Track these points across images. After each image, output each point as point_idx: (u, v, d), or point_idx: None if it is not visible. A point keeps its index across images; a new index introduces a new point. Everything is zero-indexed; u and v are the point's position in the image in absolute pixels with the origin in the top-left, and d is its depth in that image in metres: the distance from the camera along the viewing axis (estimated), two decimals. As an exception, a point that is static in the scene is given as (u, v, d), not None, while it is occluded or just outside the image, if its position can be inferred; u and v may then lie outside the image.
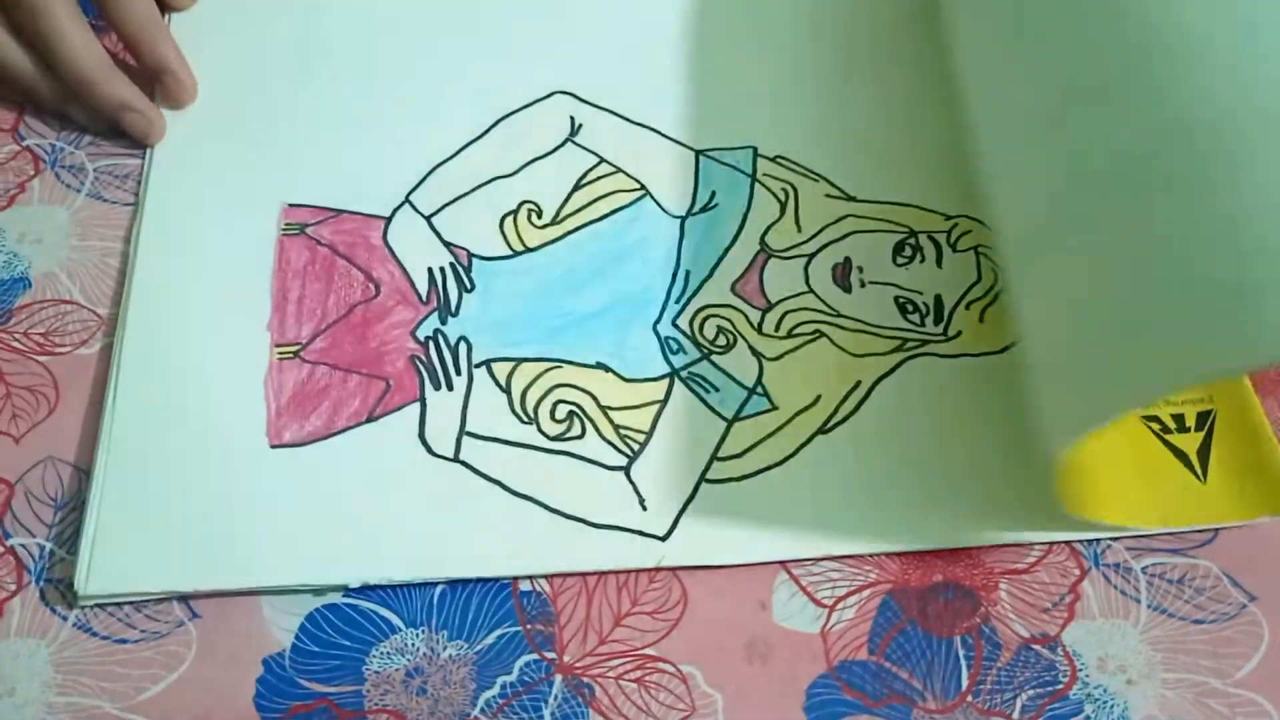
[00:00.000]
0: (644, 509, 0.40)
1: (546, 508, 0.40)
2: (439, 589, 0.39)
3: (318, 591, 0.39)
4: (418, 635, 0.38)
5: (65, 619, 0.38)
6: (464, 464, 0.41)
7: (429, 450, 0.41)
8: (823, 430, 0.42)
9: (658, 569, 0.39)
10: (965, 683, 0.38)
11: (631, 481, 0.41)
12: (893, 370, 0.43)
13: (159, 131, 0.47)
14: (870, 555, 0.40)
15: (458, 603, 0.39)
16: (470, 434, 0.41)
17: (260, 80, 0.49)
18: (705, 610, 0.39)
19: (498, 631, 0.38)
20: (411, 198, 0.46)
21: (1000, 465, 0.42)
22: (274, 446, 0.40)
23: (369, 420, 0.41)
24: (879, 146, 0.49)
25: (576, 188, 0.47)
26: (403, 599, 0.39)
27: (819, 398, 0.43)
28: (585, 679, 0.38)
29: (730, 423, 0.42)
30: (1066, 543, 0.40)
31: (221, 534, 0.39)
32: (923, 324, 0.44)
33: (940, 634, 0.39)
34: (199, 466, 0.40)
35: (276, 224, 0.45)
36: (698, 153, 0.48)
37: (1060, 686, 0.38)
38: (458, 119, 0.49)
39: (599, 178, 0.47)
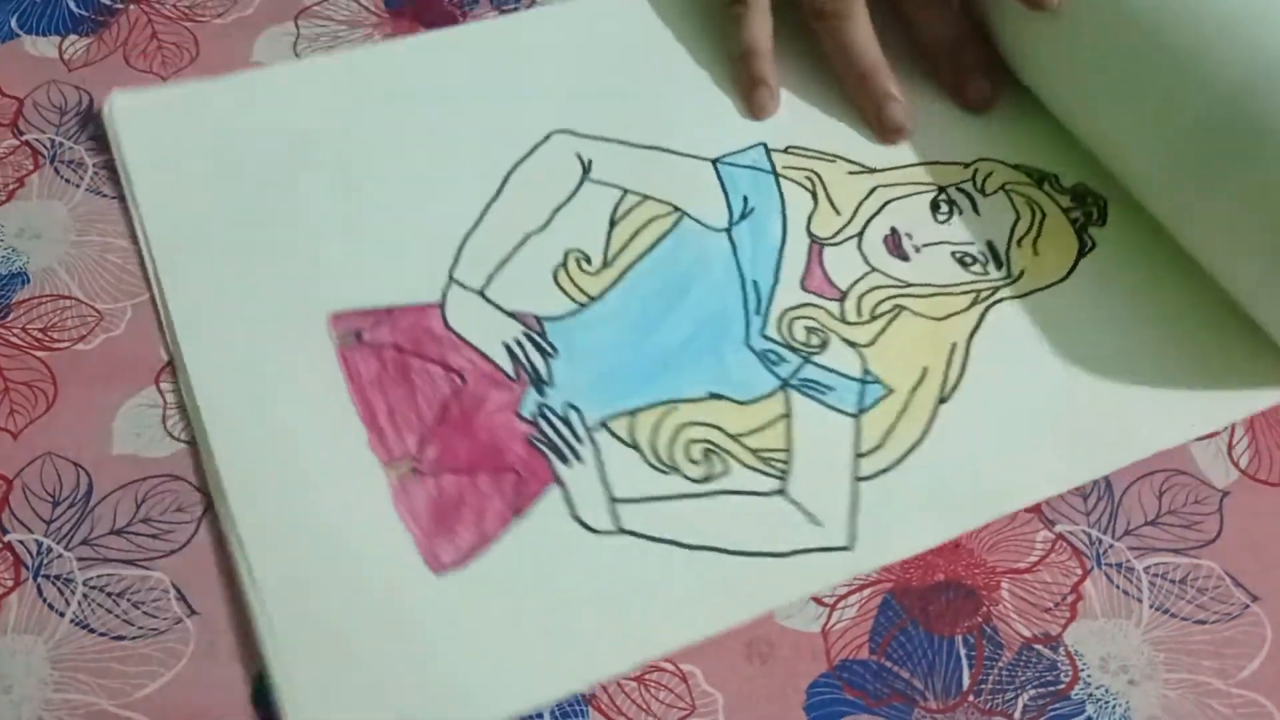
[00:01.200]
0: (818, 524, 0.40)
1: (726, 551, 0.39)
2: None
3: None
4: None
5: (62, 615, 0.37)
6: (628, 532, 0.39)
7: (589, 529, 0.39)
8: (943, 399, 0.43)
9: (864, 580, 0.39)
10: (966, 682, 0.38)
11: (793, 501, 0.40)
12: (979, 325, 0.44)
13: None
14: None
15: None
16: (620, 500, 0.39)
17: (253, 189, 0.45)
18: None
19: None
20: (456, 275, 0.44)
21: (1108, 382, 0.43)
22: (439, 574, 0.37)
23: (517, 516, 0.39)
24: None
25: (613, 224, 0.46)
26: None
27: (925, 370, 0.43)
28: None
29: (858, 417, 0.42)
30: (1068, 543, 0.41)
31: (420, 678, 0.36)
32: (986, 272, 0.46)
33: (941, 633, 0.39)
34: (371, 610, 0.37)
35: (330, 337, 0.42)
36: (713, 162, 0.48)
37: (1062, 686, 0.38)
38: (468, 185, 0.46)
39: (631, 209, 0.46)
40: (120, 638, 0.37)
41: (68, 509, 0.39)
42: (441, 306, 0.43)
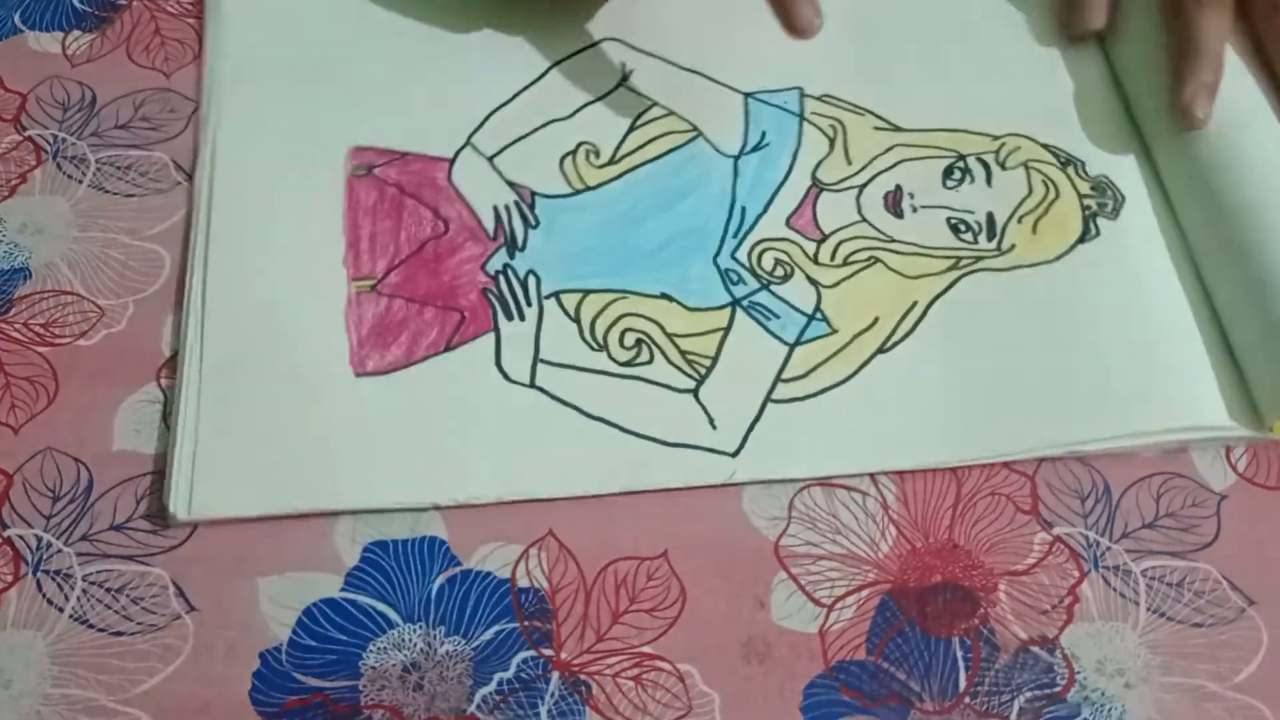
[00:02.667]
0: (714, 428, 0.42)
1: (620, 429, 0.41)
2: (437, 584, 0.39)
3: (413, 510, 0.40)
4: (415, 631, 0.38)
5: (62, 611, 0.38)
6: (540, 389, 0.42)
7: (506, 377, 0.42)
8: (882, 349, 0.43)
9: (728, 484, 0.41)
10: (963, 684, 0.38)
11: (700, 403, 0.42)
12: (948, 289, 0.45)
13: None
14: (868, 556, 0.40)
15: (455, 598, 0.39)
16: (544, 361, 0.43)
17: (323, 28, 0.51)
18: (703, 608, 0.39)
19: (495, 627, 0.39)
20: (474, 140, 0.48)
21: (1057, 371, 0.43)
22: (358, 375, 0.42)
23: (447, 349, 0.43)
24: (921, 76, 0.51)
25: (632, 129, 0.49)
26: (400, 593, 0.39)
27: (877, 319, 0.44)
28: (583, 676, 0.38)
29: (792, 346, 0.43)
30: (1066, 545, 0.41)
31: (312, 458, 0.40)
32: (976, 241, 0.46)
33: (938, 634, 0.39)
34: (288, 396, 0.41)
35: (344, 166, 0.47)
36: (746, 95, 0.50)
37: (1058, 689, 0.38)
38: (514, 65, 0.50)
39: (653, 119, 0.49)
40: (119, 633, 0.38)
41: (68, 504, 0.40)
42: (451, 162, 0.47)
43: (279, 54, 0.50)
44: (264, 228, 0.45)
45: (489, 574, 0.39)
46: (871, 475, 0.41)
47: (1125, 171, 0.48)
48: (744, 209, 0.47)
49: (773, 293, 0.45)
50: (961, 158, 0.48)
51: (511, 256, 0.45)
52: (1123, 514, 0.41)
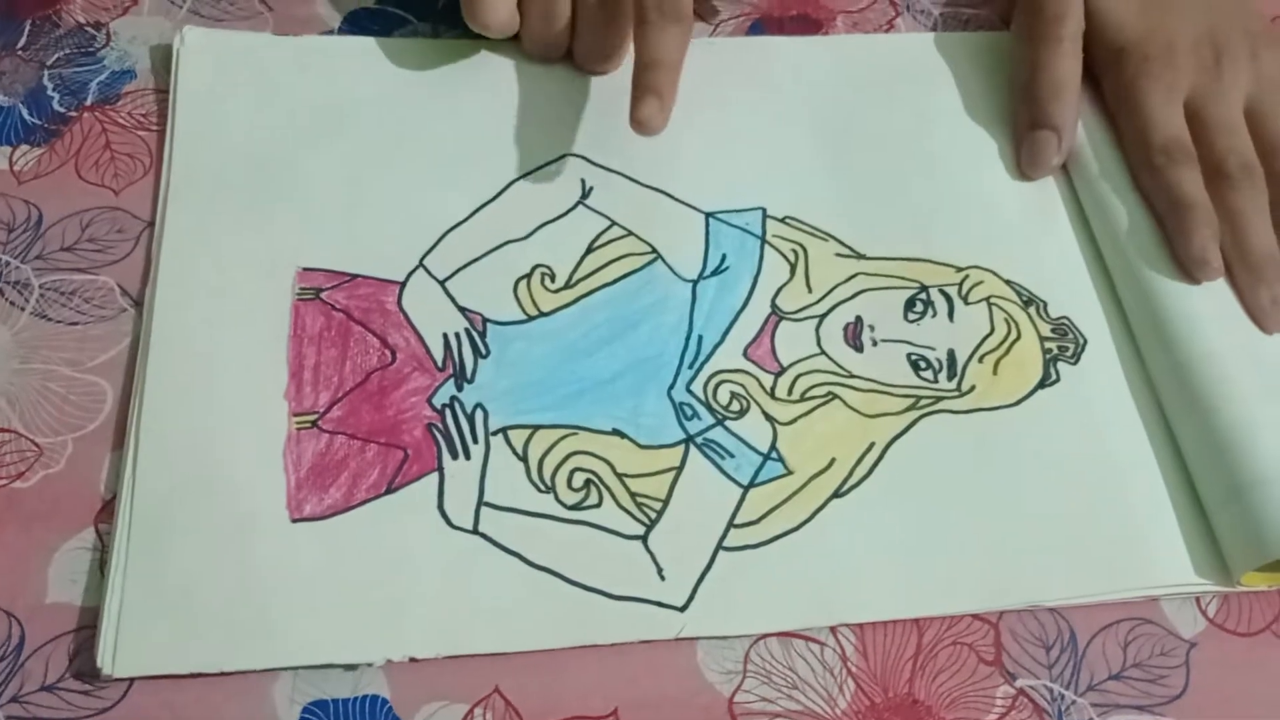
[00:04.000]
0: (662, 579, 0.41)
1: (565, 579, 0.40)
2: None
3: (347, 667, 0.39)
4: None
5: None
6: (483, 536, 0.41)
7: (448, 522, 0.41)
8: (837, 494, 0.43)
9: (678, 639, 0.40)
10: None
11: (649, 551, 0.41)
12: (906, 430, 0.44)
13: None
14: (825, 713, 0.39)
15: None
16: (489, 504, 0.41)
17: (274, 145, 0.49)
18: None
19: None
20: (425, 262, 0.47)
21: (1017, 524, 0.42)
22: (295, 520, 0.41)
23: (388, 492, 0.42)
24: (887, 203, 0.50)
25: (589, 251, 0.48)
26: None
27: (833, 461, 0.43)
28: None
29: (746, 489, 0.42)
30: (1030, 699, 0.40)
31: (246, 612, 0.39)
32: (936, 380, 0.45)
33: None
34: (222, 541, 0.40)
35: (291, 289, 0.46)
36: (707, 215, 0.49)
37: None
38: (470, 182, 0.49)
39: (610, 240, 0.48)
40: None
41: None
42: (402, 286, 0.46)
43: (230, 170, 0.48)
44: (205, 356, 0.44)
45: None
46: (831, 627, 0.40)
47: (1088, 313, 0.48)
48: (701, 337, 0.46)
49: (728, 429, 0.44)
50: (924, 289, 0.47)
51: (460, 389, 0.44)
52: (1089, 664, 0.41)
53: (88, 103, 0.51)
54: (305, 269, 0.46)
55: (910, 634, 0.41)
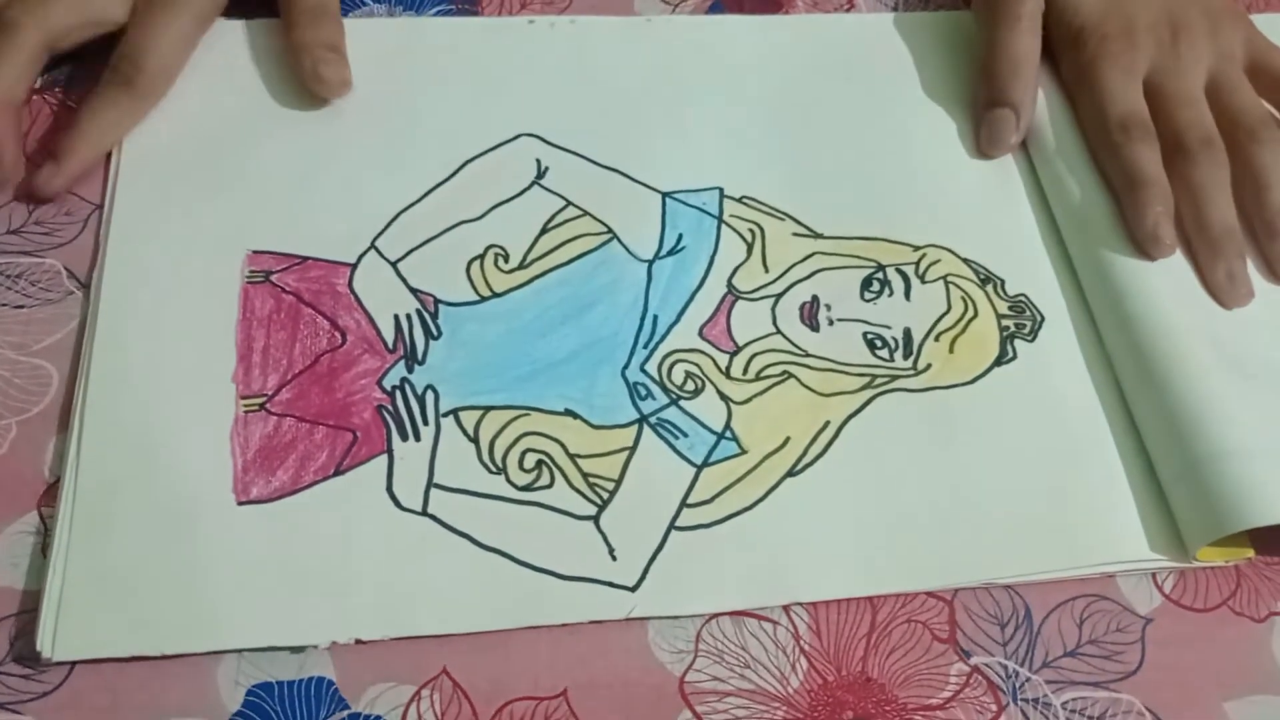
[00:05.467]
0: (614, 559, 0.40)
1: (515, 560, 0.40)
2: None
3: (293, 650, 0.38)
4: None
5: None
6: (432, 517, 0.40)
7: (397, 504, 0.41)
8: (791, 473, 0.42)
9: (628, 619, 0.39)
10: None
11: (601, 531, 0.41)
12: (862, 408, 0.44)
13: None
14: (777, 692, 0.39)
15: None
16: (438, 486, 0.41)
17: (225, 128, 0.49)
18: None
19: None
20: (377, 243, 0.46)
21: (972, 501, 0.42)
22: (241, 503, 0.40)
23: (336, 474, 0.41)
24: (844, 182, 0.49)
25: (543, 231, 0.47)
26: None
27: (788, 440, 0.43)
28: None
29: (700, 469, 0.42)
30: (984, 676, 0.39)
31: (190, 594, 0.38)
32: (891, 359, 0.45)
33: None
34: (167, 524, 0.39)
35: (241, 271, 0.45)
36: (664, 194, 0.48)
37: None
38: (424, 163, 0.48)
39: (566, 221, 0.47)
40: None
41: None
42: (353, 268, 0.46)
43: (181, 152, 0.48)
44: (152, 338, 0.43)
45: (379, 718, 0.38)
46: (784, 605, 0.40)
47: (1045, 291, 0.47)
48: (656, 317, 0.45)
49: (682, 409, 0.43)
50: (881, 268, 0.47)
51: (410, 370, 0.43)
52: (1044, 641, 0.40)
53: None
54: (255, 251, 0.46)
55: (864, 612, 0.40)
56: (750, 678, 0.39)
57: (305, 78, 0.49)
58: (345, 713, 0.38)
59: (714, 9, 0.56)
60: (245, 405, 0.42)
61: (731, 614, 0.40)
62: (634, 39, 0.53)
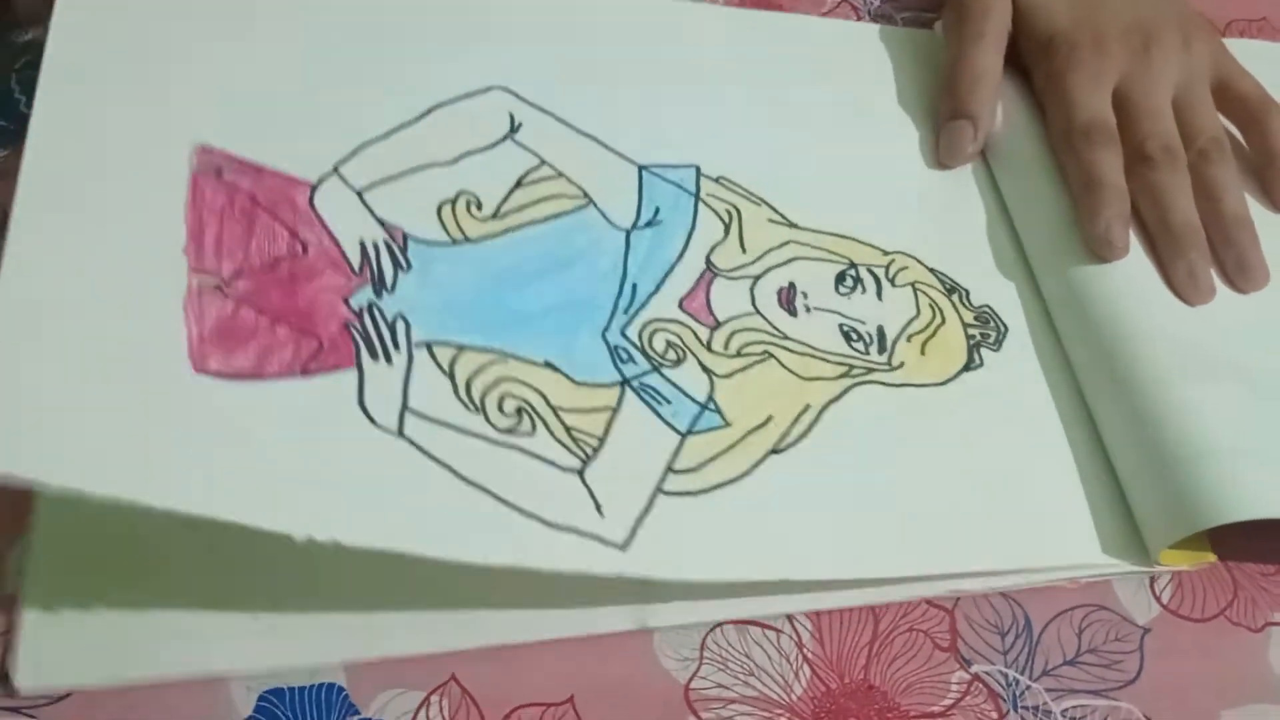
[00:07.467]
0: (600, 514, 0.37)
1: (500, 499, 0.36)
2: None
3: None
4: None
5: None
6: (409, 441, 0.36)
7: (370, 419, 0.36)
8: (776, 450, 0.41)
9: (619, 578, 0.36)
10: None
11: (587, 485, 0.37)
12: (841, 395, 0.43)
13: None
14: (781, 699, 0.38)
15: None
16: (413, 411, 0.37)
17: (193, 12, 0.44)
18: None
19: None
20: (341, 169, 0.42)
21: (939, 498, 0.41)
22: (199, 372, 0.35)
23: (303, 374, 0.36)
24: (817, 177, 0.49)
25: (518, 185, 0.44)
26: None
27: (770, 417, 0.41)
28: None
29: (684, 436, 0.40)
30: (985, 684, 0.39)
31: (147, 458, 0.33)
32: (867, 352, 0.44)
33: None
34: (117, 392, 0.34)
35: (188, 163, 0.40)
36: (641, 167, 0.47)
37: None
38: (390, 100, 0.45)
39: (541, 179, 0.45)
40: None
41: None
42: (314, 188, 0.41)
43: (121, 49, 0.42)
44: (85, 212, 0.37)
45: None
46: (788, 614, 0.39)
47: (1009, 302, 0.48)
48: (635, 285, 0.43)
49: (664, 376, 0.41)
50: (853, 265, 0.47)
51: (379, 295, 0.39)
52: (1044, 650, 0.40)
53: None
54: (205, 146, 0.40)
55: (866, 621, 0.40)
56: (755, 685, 0.38)
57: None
58: (355, 718, 0.35)
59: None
60: (199, 280, 0.37)
61: (736, 623, 0.39)
62: (617, 9, 0.52)
